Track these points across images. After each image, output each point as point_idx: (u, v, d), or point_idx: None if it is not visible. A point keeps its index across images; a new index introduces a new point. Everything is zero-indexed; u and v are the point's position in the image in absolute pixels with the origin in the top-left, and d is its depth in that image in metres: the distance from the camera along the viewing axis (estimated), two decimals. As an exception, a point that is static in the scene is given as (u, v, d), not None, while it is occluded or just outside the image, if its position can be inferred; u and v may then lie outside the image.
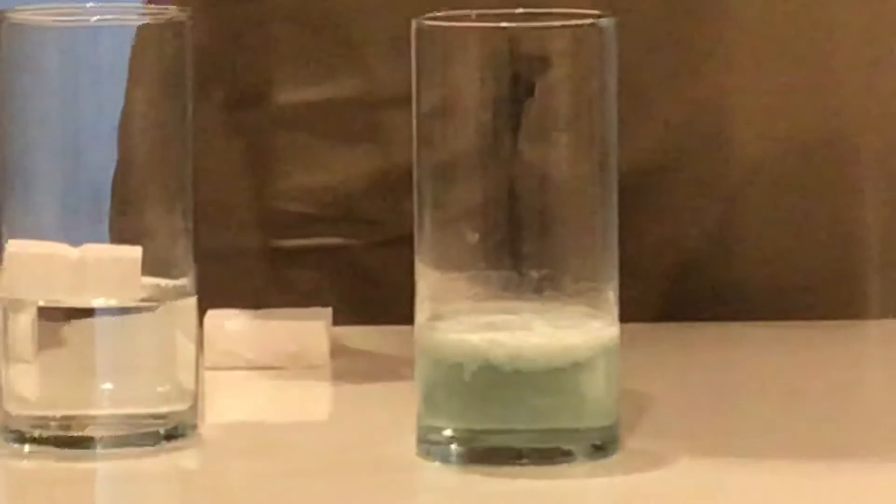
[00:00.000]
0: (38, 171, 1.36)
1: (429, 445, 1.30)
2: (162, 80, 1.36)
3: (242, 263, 1.70)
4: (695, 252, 1.74)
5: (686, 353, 1.58)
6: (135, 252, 1.30)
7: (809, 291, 1.76)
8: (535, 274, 1.28)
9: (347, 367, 1.55)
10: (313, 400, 1.53)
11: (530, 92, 1.32)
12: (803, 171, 1.79)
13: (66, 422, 1.32)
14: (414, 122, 1.30)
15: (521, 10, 1.35)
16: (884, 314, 1.76)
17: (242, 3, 1.78)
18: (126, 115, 1.42)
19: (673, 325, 1.63)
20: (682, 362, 1.54)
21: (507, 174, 1.29)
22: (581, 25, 1.30)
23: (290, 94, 1.80)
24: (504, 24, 1.30)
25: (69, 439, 1.32)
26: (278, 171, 1.76)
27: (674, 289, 1.69)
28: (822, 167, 1.82)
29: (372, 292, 1.70)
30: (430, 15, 1.32)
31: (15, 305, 1.33)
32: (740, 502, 1.32)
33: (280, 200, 1.75)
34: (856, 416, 1.53)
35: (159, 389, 1.33)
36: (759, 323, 1.68)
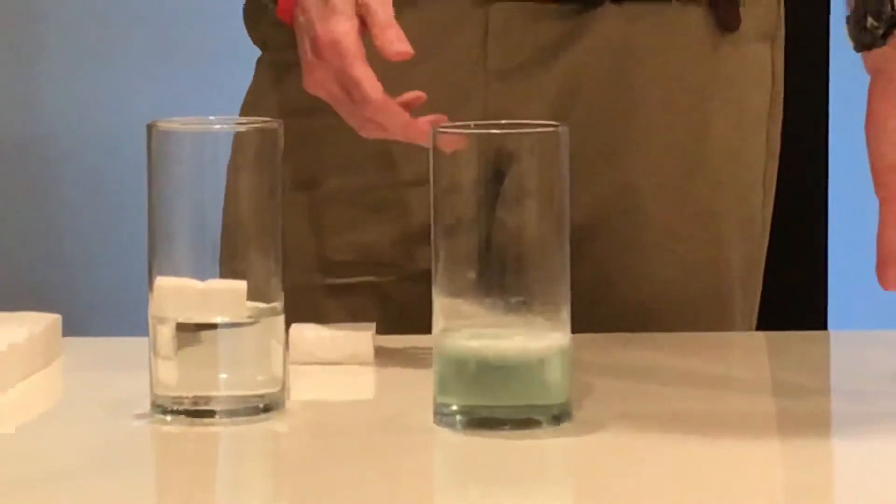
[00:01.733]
0: (175, 232, 1.46)
1: (441, 416, 1.44)
2: (260, 168, 1.47)
3: (309, 294, 1.77)
4: (614, 284, 1.85)
5: (613, 354, 1.67)
6: (242, 285, 1.43)
7: (691, 312, 1.86)
8: (512, 300, 1.40)
9: (386, 363, 1.64)
10: (363, 385, 1.63)
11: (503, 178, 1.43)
12: (654, 226, 1.87)
13: (195, 400, 1.44)
14: (432, 198, 1.42)
15: (504, 122, 1.48)
16: (744, 328, 1.88)
17: (309, 117, 1.77)
18: (231, 193, 1.47)
19: (603, 335, 1.70)
20: (611, 361, 1.63)
21: (492, 232, 1.41)
22: (545, 132, 1.43)
23: (338, 180, 1.87)
24: (493, 131, 1.43)
25: (197, 412, 1.44)
26: (330, 232, 1.85)
27: (601, 309, 1.77)
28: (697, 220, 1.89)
29: (395, 313, 1.80)
30: (443, 125, 1.47)
31: (161, 321, 1.43)
32: (653, 452, 1.41)
33: (331, 252, 1.85)
34: (727, 398, 1.59)
35: (259, 378, 1.45)
36: (658, 333, 1.79)
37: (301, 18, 1.67)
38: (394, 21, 1.64)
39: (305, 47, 1.67)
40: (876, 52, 1.65)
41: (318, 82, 1.66)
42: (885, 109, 1.63)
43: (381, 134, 1.65)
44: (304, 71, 1.68)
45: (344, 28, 1.63)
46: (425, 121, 1.61)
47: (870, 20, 1.65)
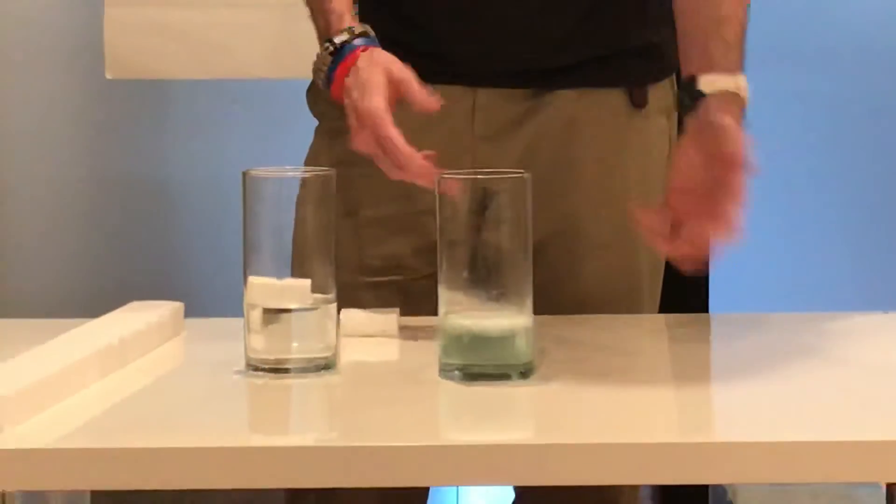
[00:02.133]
0: (262, 246, 1.45)
1: (444, 372, 1.43)
2: (318, 202, 1.47)
3: (354, 289, 1.73)
4: (562, 282, 1.82)
5: (561, 330, 1.65)
6: (306, 282, 1.43)
7: (614, 301, 1.84)
8: (493, 292, 1.40)
9: (406, 336, 1.63)
10: (390, 351, 1.62)
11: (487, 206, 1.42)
12: (587, 242, 1.84)
13: (277, 361, 1.44)
14: (437, 223, 1.42)
15: (487, 170, 1.48)
16: (651, 312, 1.87)
17: (352, 167, 1.72)
18: (299, 219, 1.47)
19: (554, 317, 1.67)
20: (560, 334, 1.61)
21: (479, 246, 1.41)
22: (516, 178, 1.42)
23: (373, 210, 1.83)
24: (479, 176, 1.43)
25: (276, 369, 1.44)
26: (368, 246, 1.83)
27: (553, 299, 1.71)
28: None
29: (413, 302, 1.76)
30: (444, 173, 1.45)
31: (252, 307, 1.44)
32: (587, 396, 1.41)
33: (369, 259, 1.82)
34: (637, 360, 1.60)
35: (318, 346, 1.45)
36: (592, 315, 1.77)
37: (347, 99, 1.65)
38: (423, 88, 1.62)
39: (352, 119, 1.64)
40: (692, 114, 1.62)
41: (361, 142, 1.63)
42: (683, 149, 1.61)
43: (404, 176, 1.62)
44: (352, 134, 1.65)
45: (377, 103, 1.61)
46: (431, 165, 1.59)
47: (684, 97, 1.65)
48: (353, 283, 1.73)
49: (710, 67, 1.65)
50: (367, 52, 1.69)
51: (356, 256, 1.81)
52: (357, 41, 1.70)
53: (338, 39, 1.71)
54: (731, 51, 1.68)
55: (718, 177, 1.56)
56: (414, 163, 1.60)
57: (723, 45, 1.68)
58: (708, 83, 1.64)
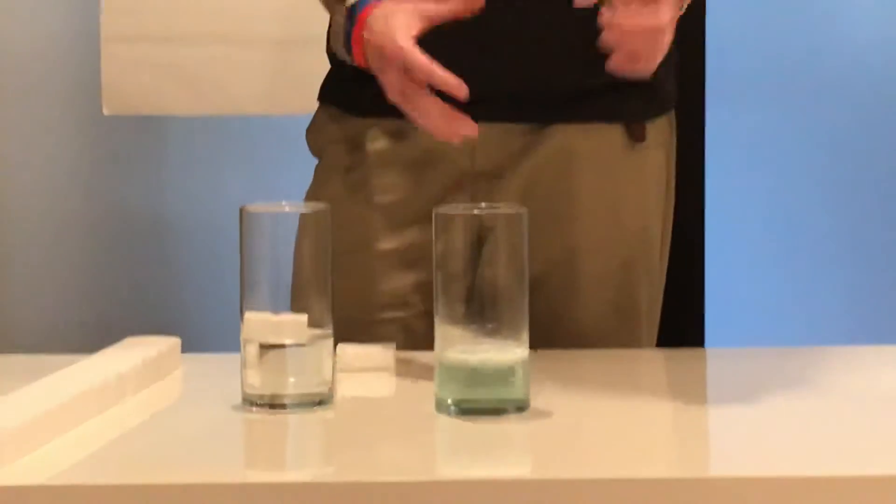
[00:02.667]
0: (259, 281, 1.44)
1: (440, 406, 1.42)
2: (315, 239, 1.45)
3: (355, 325, 1.73)
4: (559, 317, 1.81)
5: (558, 364, 1.64)
6: (303, 317, 1.42)
7: (613, 335, 1.83)
8: (489, 326, 1.39)
9: (402, 371, 1.62)
10: (386, 386, 1.61)
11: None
12: (586, 277, 1.83)
13: (273, 396, 1.43)
14: (434, 260, 1.41)
15: (484, 204, 1.49)
16: (648, 346, 1.85)
17: (352, 204, 1.76)
18: (297, 255, 1.46)
19: (551, 351, 1.66)
20: (557, 369, 1.60)
21: (475, 281, 1.40)
22: (512, 213, 1.41)
23: (372, 246, 1.81)
24: (476, 212, 1.41)
25: (272, 404, 1.43)
26: (370, 282, 1.81)
27: (550, 333, 1.71)
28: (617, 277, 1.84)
29: (413, 337, 1.76)
30: (442, 208, 1.43)
31: (249, 342, 1.43)
32: (584, 430, 1.40)
33: (370, 296, 1.81)
34: (634, 393, 1.57)
35: (315, 381, 1.44)
36: (589, 350, 1.77)
37: (370, 50, 1.66)
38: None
39: (379, 65, 1.65)
40: None
41: (391, 85, 1.64)
42: None
43: (429, 123, 1.63)
44: (384, 85, 1.65)
45: (403, 41, 1.61)
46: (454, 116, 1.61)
47: None
48: (355, 320, 1.74)
49: None
50: (380, 5, 1.68)
51: (359, 293, 1.80)
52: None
53: (350, 2, 1.71)
54: None
55: None
56: (437, 106, 1.62)
57: None
58: None
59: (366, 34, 1.68)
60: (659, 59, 1.63)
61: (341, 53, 1.75)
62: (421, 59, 1.61)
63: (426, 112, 1.64)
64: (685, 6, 1.69)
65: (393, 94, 1.66)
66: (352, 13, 1.71)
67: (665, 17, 1.61)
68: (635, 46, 1.60)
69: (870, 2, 2.44)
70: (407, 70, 1.63)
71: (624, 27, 1.58)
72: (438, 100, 1.63)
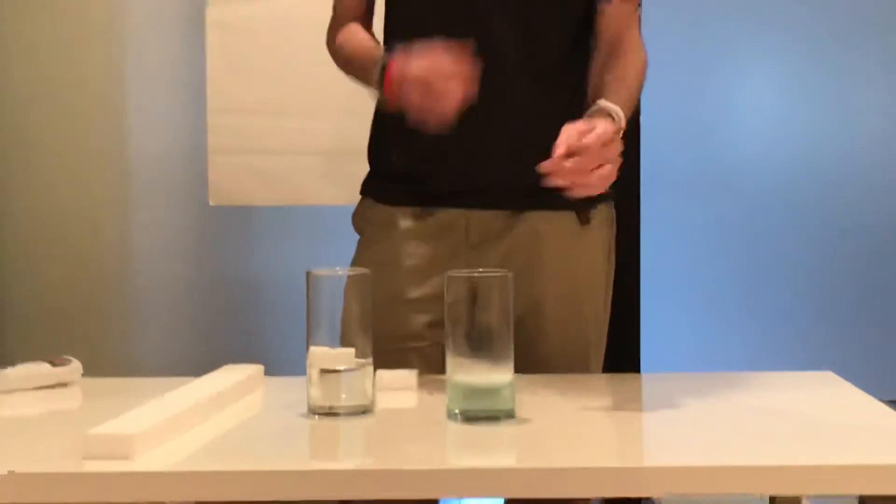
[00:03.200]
0: (320, 325, 1.42)
1: (450, 414, 1.40)
2: (359, 294, 1.43)
3: (386, 354, 1.62)
4: (532, 349, 1.74)
5: (533, 385, 1.59)
6: (351, 350, 1.41)
7: (568, 364, 1.78)
8: (485, 356, 1.38)
9: (422, 389, 1.59)
10: (411, 400, 1.57)
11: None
12: (550, 320, 1.77)
13: (330, 407, 1.42)
14: (445, 308, 1.39)
15: (480, 269, 1.45)
16: (597, 372, 1.81)
17: (386, 270, 1.70)
18: (346, 305, 1.43)
19: (527, 376, 1.58)
20: (532, 388, 1.57)
21: (473, 325, 1.38)
22: (499, 276, 1.40)
23: (399, 297, 1.76)
24: (475, 275, 1.40)
25: (329, 413, 1.41)
26: (396, 322, 1.74)
27: (526, 362, 1.59)
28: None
29: (430, 363, 1.71)
30: (451, 272, 1.41)
31: (312, 367, 1.41)
32: (556, 432, 1.38)
33: (397, 331, 1.74)
34: (591, 404, 1.54)
35: (360, 396, 1.43)
36: (553, 374, 1.72)
37: (405, 91, 1.59)
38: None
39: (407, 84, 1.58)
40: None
41: (416, 89, 1.58)
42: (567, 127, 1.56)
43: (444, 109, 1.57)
44: (408, 96, 1.59)
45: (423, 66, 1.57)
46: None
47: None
48: (386, 350, 1.68)
49: (602, 98, 1.67)
50: (392, 67, 1.62)
51: (389, 330, 1.73)
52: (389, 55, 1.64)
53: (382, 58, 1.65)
54: (619, 94, 1.68)
55: (585, 146, 1.54)
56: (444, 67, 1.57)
57: (616, 92, 1.69)
58: (597, 104, 1.66)
59: (398, 71, 1.61)
60: (605, 187, 1.59)
61: (376, 91, 1.69)
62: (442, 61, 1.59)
63: (442, 89, 1.58)
64: (624, 127, 1.66)
65: (412, 94, 1.60)
66: (380, 63, 1.66)
67: (612, 176, 1.58)
68: (582, 189, 1.57)
69: (759, 122, 2.44)
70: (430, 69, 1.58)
71: (574, 181, 1.55)
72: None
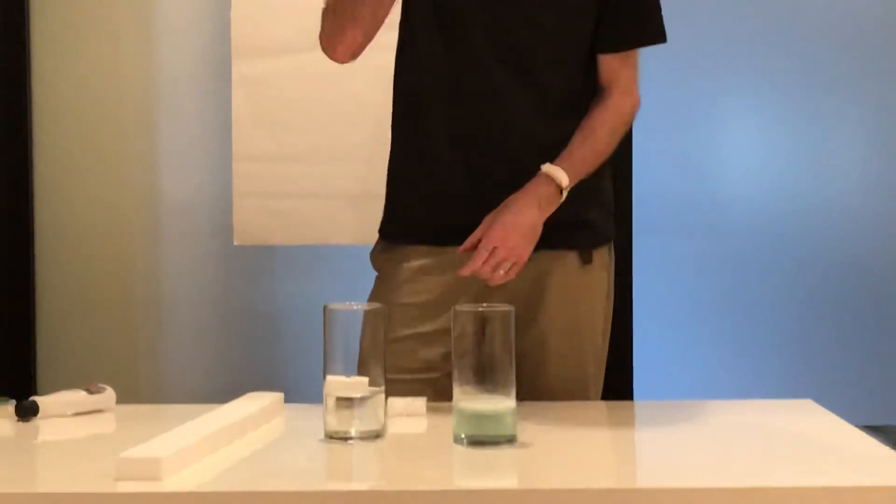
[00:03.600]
0: (337, 356, 1.41)
1: (456, 439, 1.39)
2: (373, 327, 1.42)
3: (399, 383, 1.65)
4: (534, 381, 1.74)
5: (536, 411, 1.59)
6: (365, 380, 1.41)
7: (570, 393, 1.76)
8: (489, 386, 1.38)
9: (431, 414, 1.58)
10: (420, 426, 1.55)
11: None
12: (553, 355, 1.75)
13: (344, 432, 1.41)
14: (453, 340, 1.39)
15: (485, 304, 1.44)
16: (596, 399, 1.80)
17: (395, 304, 1.70)
18: (362, 337, 1.42)
19: (529, 403, 1.60)
20: (535, 415, 1.56)
21: (480, 356, 1.38)
22: (505, 311, 1.39)
23: (410, 331, 1.74)
24: (480, 309, 1.39)
25: (343, 438, 1.41)
26: (409, 354, 1.74)
27: (529, 391, 1.63)
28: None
29: (438, 392, 1.67)
30: (458, 306, 1.41)
31: (329, 396, 1.41)
32: (555, 454, 1.38)
33: (409, 363, 1.73)
34: (591, 428, 1.54)
35: (373, 422, 1.42)
36: (556, 402, 1.71)
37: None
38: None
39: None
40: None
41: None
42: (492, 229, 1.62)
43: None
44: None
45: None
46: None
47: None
48: (399, 380, 1.68)
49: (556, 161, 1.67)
50: None
51: (402, 361, 1.73)
52: None
53: None
54: (572, 160, 1.68)
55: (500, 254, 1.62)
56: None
57: (569, 156, 1.68)
58: (542, 169, 1.66)
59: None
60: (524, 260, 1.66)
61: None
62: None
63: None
64: (567, 190, 1.67)
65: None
66: None
67: (515, 269, 1.65)
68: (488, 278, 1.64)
69: (744, 165, 2.44)
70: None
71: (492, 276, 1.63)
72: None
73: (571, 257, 1.76)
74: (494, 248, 1.63)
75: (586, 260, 1.77)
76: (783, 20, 2.31)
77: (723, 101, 2.38)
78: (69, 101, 2.41)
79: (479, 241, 1.65)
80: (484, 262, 1.63)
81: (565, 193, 1.66)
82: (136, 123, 2.42)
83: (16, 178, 2.36)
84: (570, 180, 1.66)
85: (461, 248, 1.66)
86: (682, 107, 2.32)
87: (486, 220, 1.66)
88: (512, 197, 1.66)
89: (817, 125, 2.36)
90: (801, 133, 2.36)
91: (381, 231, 1.83)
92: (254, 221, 2.36)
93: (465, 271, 1.65)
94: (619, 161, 2.22)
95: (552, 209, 1.66)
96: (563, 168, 1.66)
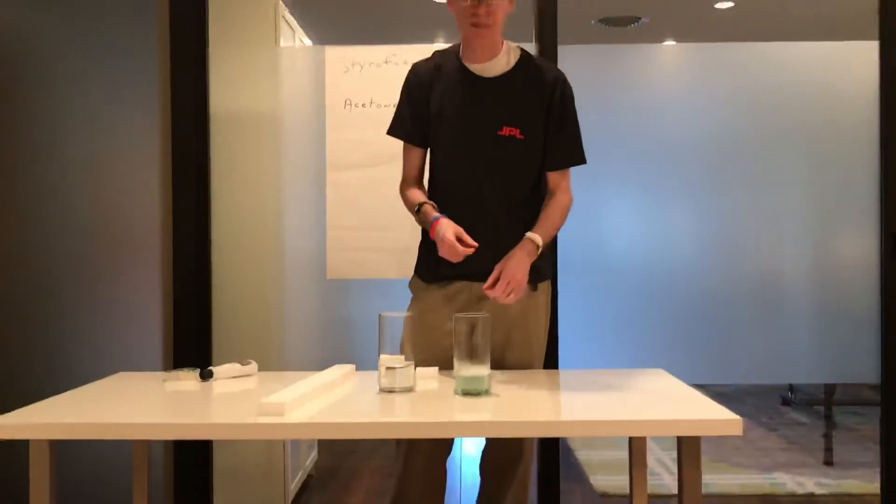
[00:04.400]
0: (386, 344, 1.37)
1: (455, 392, 1.38)
2: (411, 327, 1.38)
3: (425, 359, 1.57)
4: (502, 359, 1.63)
5: (502, 378, 1.50)
6: (402, 357, 1.35)
7: (523, 366, 1.65)
8: (475, 360, 1.36)
9: (442, 379, 1.50)
10: (434, 384, 1.48)
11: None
12: (510, 349, 1.65)
13: (391, 387, 1.36)
14: (454, 334, 1.37)
15: (473, 313, 1.40)
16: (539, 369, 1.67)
17: (425, 314, 1.61)
18: (403, 334, 1.36)
19: (498, 372, 1.53)
20: (502, 379, 1.49)
21: (470, 343, 1.35)
22: (485, 317, 1.36)
23: (432, 329, 1.61)
24: (469, 316, 1.37)
25: (391, 390, 1.36)
26: (435, 341, 1.60)
27: (498, 366, 1.57)
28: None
29: (447, 364, 1.55)
30: (457, 315, 1.37)
31: (381, 365, 1.36)
32: (516, 399, 1.34)
33: (435, 348, 1.61)
34: (536, 385, 1.45)
35: (408, 381, 1.37)
36: (513, 371, 1.59)
37: (436, 237, 1.54)
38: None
39: (440, 243, 1.51)
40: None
41: (442, 251, 1.51)
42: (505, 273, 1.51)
43: (453, 257, 1.49)
44: (439, 248, 1.52)
45: (450, 240, 1.50)
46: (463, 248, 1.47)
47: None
48: (426, 357, 1.61)
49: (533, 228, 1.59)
50: (440, 220, 1.55)
51: (428, 346, 1.62)
52: (434, 214, 1.56)
53: (421, 207, 1.57)
54: (542, 230, 1.59)
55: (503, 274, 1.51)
56: (458, 249, 1.50)
57: (539, 228, 1.60)
58: (526, 236, 1.58)
59: (436, 231, 1.56)
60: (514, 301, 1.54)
61: (427, 227, 1.59)
62: (456, 244, 1.52)
63: (454, 255, 1.54)
64: (542, 247, 1.59)
65: (442, 251, 1.54)
66: (430, 221, 1.58)
67: (519, 293, 1.53)
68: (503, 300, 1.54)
69: (620, 235, 2.23)
70: (449, 245, 1.53)
71: (499, 299, 1.53)
72: (458, 246, 1.52)
73: (526, 288, 1.67)
74: (508, 281, 1.54)
75: (534, 289, 1.70)
76: (651, 142, 2.19)
77: (613, 193, 2.23)
78: (235, 196, 2.27)
79: (498, 277, 1.55)
80: (501, 290, 1.55)
81: (540, 250, 1.60)
82: (273, 207, 2.26)
83: (203, 223, 2.16)
84: (543, 243, 1.61)
85: (486, 283, 1.54)
86: (589, 197, 2.20)
87: (499, 266, 1.55)
88: (511, 252, 1.57)
89: (665, 206, 2.22)
90: (655, 211, 2.22)
91: (415, 271, 1.76)
92: (338, 264, 2.27)
93: (491, 294, 1.53)
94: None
95: (533, 259, 1.60)
96: (539, 234, 1.60)
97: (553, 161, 1.64)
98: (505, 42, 1.62)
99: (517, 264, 1.55)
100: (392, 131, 1.65)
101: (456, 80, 1.60)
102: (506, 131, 1.57)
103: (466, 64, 1.60)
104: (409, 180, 1.67)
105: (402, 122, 1.64)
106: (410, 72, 1.64)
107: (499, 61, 1.59)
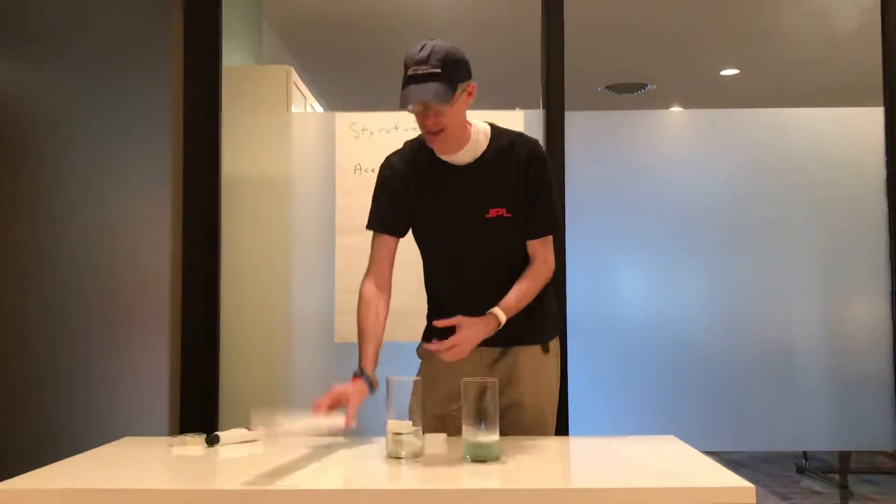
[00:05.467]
0: (394, 407, 1.35)
1: (464, 458, 1.36)
2: (417, 391, 1.36)
3: (432, 422, 1.58)
4: (512, 424, 1.62)
5: (514, 443, 1.49)
6: (409, 423, 1.35)
7: (536, 430, 1.63)
8: (483, 426, 1.35)
9: (450, 444, 1.50)
10: (443, 449, 1.46)
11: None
12: (525, 407, 1.63)
13: (397, 453, 1.35)
14: (462, 398, 1.36)
15: (481, 378, 1.39)
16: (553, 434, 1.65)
17: (432, 377, 1.61)
18: (410, 398, 1.36)
19: (509, 437, 1.52)
20: (513, 444, 1.49)
21: (479, 408, 1.36)
22: (492, 382, 1.34)
23: (439, 392, 1.63)
24: (478, 381, 1.35)
25: (398, 457, 1.36)
26: (437, 405, 1.63)
27: (508, 431, 1.56)
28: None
29: (455, 429, 1.60)
30: (465, 380, 1.35)
31: (389, 433, 1.36)
32: (526, 470, 1.30)
33: (437, 411, 1.65)
34: (549, 453, 1.44)
35: (416, 448, 1.36)
36: (523, 437, 1.58)
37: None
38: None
39: (328, 396, 1.44)
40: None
41: (321, 406, 1.44)
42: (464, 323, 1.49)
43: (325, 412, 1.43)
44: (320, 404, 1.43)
45: (327, 400, 1.43)
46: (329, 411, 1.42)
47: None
48: (433, 419, 1.61)
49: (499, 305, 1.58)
50: (353, 381, 1.51)
51: (435, 411, 1.64)
52: (357, 370, 1.52)
53: (357, 369, 1.54)
54: (508, 304, 1.57)
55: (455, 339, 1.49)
56: (320, 410, 1.43)
57: (506, 301, 1.58)
58: (489, 311, 1.56)
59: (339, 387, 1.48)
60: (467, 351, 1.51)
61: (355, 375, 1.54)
62: (322, 407, 1.42)
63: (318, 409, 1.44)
64: (512, 312, 1.56)
65: (318, 401, 1.45)
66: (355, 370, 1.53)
67: (455, 358, 1.50)
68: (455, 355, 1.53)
69: (625, 299, 2.17)
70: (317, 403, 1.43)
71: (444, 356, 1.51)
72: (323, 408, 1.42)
73: (536, 349, 1.70)
74: (454, 345, 1.52)
75: (545, 350, 1.70)
76: (659, 206, 2.19)
77: (623, 258, 2.22)
78: (245, 259, 2.25)
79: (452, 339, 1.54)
80: (444, 347, 1.52)
81: (502, 325, 1.58)
82: (282, 270, 2.21)
83: (212, 286, 2.10)
84: (506, 317, 1.59)
85: (442, 344, 1.52)
86: (598, 262, 2.18)
87: (458, 329, 1.55)
88: (475, 320, 1.56)
89: (674, 270, 2.21)
90: (664, 276, 2.21)
91: (423, 335, 1.77)
92: (346, 328, 2.26)
93: (431, 348, 1.51)
94: (559, 291, 2.12)
95: (491, 333, 1.57)
96: (502, 311, 1.58)
97: (530, 231, 1.64)
98: (470, 125, 1.60)
99: (471, 338, 1.54)
100: (371, 225, 1.62)
101: (432, 172, 1.60)
102: (493, 213, 1.58)
103: (439, 155, 1.60)
104: (376, 268, 1.63)
105: (382, 215, 1.62)
106: (386, 167, 1.63)
107: (468, 151, 1.59)
